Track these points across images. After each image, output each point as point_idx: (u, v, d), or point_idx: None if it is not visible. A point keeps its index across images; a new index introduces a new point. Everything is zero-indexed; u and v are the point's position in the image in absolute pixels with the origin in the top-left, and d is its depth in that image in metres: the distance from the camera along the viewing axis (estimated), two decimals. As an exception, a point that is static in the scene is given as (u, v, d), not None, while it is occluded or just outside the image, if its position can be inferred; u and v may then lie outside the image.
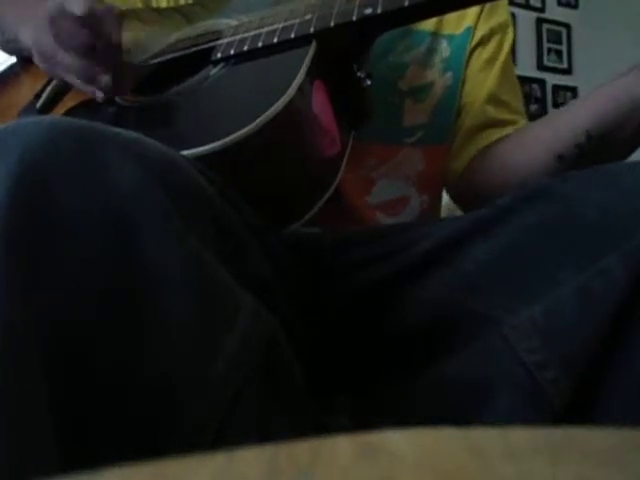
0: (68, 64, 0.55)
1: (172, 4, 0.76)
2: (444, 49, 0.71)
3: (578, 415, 0.40)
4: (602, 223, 0.41)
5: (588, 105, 0.60)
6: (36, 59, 0.58)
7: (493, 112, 0.72)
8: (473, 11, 0.73)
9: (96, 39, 0.53)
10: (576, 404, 0.40)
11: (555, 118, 0.67)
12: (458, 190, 0.77)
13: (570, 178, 0.46)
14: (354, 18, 0.54)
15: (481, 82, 0.73)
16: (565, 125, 0.62)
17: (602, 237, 0.40)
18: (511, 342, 0.41)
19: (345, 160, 0.60)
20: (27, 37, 0.59)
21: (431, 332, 0.47)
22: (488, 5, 0.74)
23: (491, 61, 0.73)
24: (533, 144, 0.66)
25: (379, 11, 0.53)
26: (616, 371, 0.39)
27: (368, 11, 0.54)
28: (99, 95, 0.56)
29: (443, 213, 0.83)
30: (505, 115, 0.72)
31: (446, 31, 0.72)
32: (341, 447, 0.16)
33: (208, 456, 0.16)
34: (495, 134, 0.72)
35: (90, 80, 0.55)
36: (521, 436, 0.16)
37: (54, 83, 0.67)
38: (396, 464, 0.15)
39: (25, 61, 0.73)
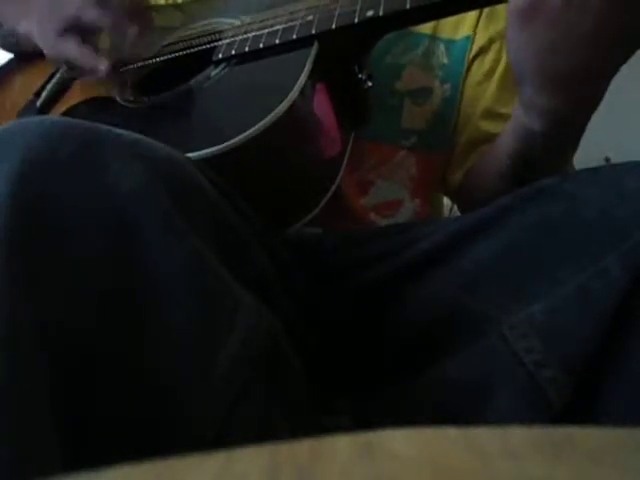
0: (100, 18, 0.58)
1: (171, 2, 0.76)
2: (441, 53, 0.71)
3: (577, 415, 0.40)
4: (601, 223, 0.41)
5: (503, 136, 0.60)
6: (44, 36, 0.59)
7: (489, 127, 0.72)
8: (471, 18, 0.72)
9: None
10: (575, 403, 0.40)
11: (490, 146, 0.67)
12: (459, 201, 0.77)
13: (570, 178, 0.46)
14: (356, 20, 0.54)
15: (478, 96, 0.72)
16: (493, 154, 0.63)
17: (601, 237, 0.41)
18: (510, 341, 0.41)
19: (345, 161, 0.60)
20: (28, 24, 0.60)
21: (431, 332, 0.47)
22: (486, 11, 0.73)
23: (489, 73, 0.73)
24: (483, 168, 0.66)
25: (381, 13, 0.53)
26: (615, 371, 0.39)
27: (370, 13, 0.53)
28: (102, 68, 0.58)
29: (445, 212, 0.83)
30: (503, 126, 0.72)
31: (443, 34, 0.72)
32: (341, 447, 0.16)
33: (208, 456, 0.16)
34: None
35: (120, 30, 0.59)
36: (520, 435, 0.17)
37: (54, 81, 0.67)
38: (396, 464, 0.15)
39: (21, 58, 0.73)
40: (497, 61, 0.73)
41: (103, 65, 0.59)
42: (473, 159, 0.72)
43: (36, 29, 0.62)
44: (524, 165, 0.57)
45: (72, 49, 0.60)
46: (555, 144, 0.54)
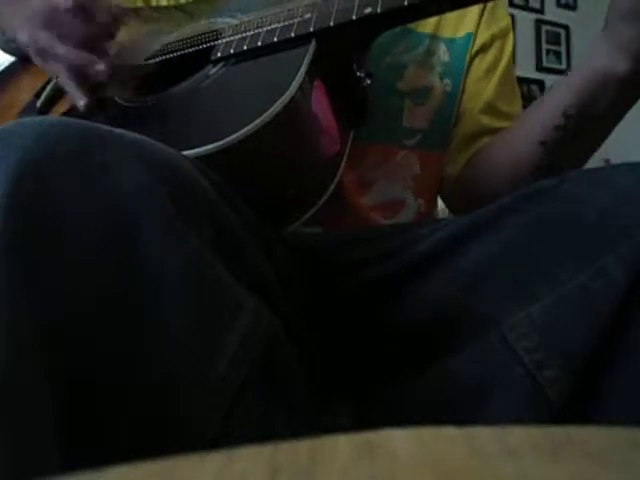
0: (64, 54, 0.56)
1: (172, 3, 0.76)
2: (443, 52, 0.71)
3: (577, 414, 0.40)
4: (600, 223, 0.41)
5: (562, 87, 0.59)
6: (33, 56, 0.59)
7: (489, 121, 0.72)
8: (473, 17, 0.73)
9: (88, 28, 0.56)
10: (575, 403, 0.40)
11: (532, 107, 0.66)
12: (451, 196, 0.77)
13: (569, 178, 0.46)
14: (354, 17, 0.54)
15: (479, 92, 0.72)
16: (542, 111, 0.61)
17: (601, 237, 0.41)
18: (510, 341, 0.41)
19: (345, 159, 0.60)
20: (24, 35, 0.60)
21: (431, 332, 0.47)
22: (488, 9, 0.74)
23: (491, 70, 0.73)
24: (515, 138, 0.66)
25: (379, 10, 0.53)
26: (615, 370, 0.39)
27: (368, 10, 0.53)
28: (82, 102, 0.57)
29: (440, 216, 0.83)
30: (502, 123, 0.72)
31: (444, 34, 0.72)
32: (341, 447, 0.16)
33: (208, 456, 0.16)
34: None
35: (86, 70, 0.56)
36: (520, 435, 0.17)
37: (54, 82, 0.67)
38: (396, 463, 0.15)
39: (25, 61, 0.73)
40: (498, 58, 0.74)
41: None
42: (469, 153, 0.72)
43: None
44: (583, 119, 0.57)
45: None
46: (627, 95, 0.54)
